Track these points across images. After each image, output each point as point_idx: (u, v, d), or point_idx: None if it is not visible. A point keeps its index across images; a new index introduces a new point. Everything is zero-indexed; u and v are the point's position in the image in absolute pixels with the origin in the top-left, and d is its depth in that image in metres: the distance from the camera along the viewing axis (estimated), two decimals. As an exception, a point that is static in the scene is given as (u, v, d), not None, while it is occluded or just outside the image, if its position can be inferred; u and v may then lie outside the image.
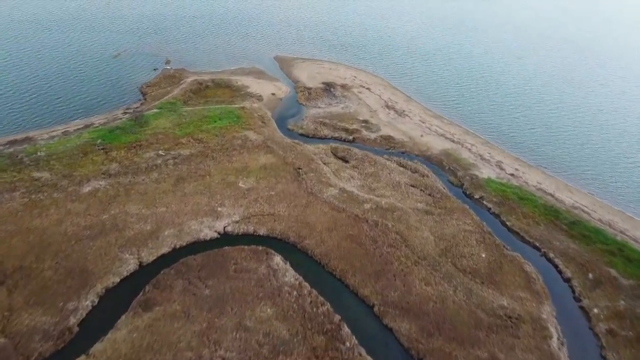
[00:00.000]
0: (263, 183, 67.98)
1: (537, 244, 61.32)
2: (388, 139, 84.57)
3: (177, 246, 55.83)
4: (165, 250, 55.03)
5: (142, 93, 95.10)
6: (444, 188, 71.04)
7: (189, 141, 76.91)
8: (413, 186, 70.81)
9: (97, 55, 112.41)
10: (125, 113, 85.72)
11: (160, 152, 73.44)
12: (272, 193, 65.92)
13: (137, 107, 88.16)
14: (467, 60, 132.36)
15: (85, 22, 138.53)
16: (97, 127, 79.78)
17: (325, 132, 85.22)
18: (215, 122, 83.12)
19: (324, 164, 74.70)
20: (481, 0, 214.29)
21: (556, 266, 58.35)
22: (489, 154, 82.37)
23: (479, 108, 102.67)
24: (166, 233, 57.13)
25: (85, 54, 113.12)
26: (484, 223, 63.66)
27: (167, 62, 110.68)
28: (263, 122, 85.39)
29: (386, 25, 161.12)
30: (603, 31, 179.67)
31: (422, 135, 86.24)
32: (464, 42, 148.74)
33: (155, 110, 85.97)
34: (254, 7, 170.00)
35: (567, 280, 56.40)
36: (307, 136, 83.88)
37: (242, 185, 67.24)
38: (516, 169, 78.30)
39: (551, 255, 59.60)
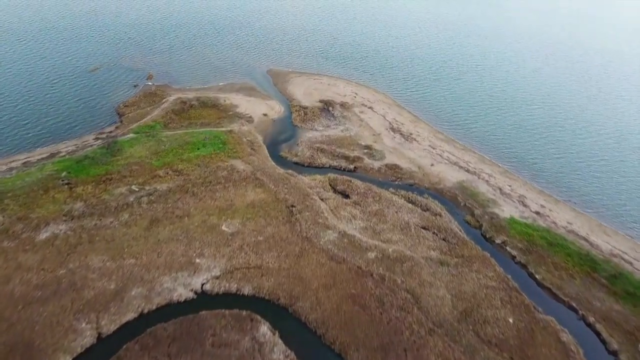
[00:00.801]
0: (250, 225, 58.88)
1: (574, 304, 51.86)
2: (394, 168, 74.97)
3: (145, 310, 47.67)
4: (130, 316, 46.77)
5: (118, 114, 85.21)
6: (460, 230, 61.47)
7: (167, 173, 67.60)
8: (424, 228, 61.31)
9: (72, 70, 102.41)
10: (97, 139, 76.04)
11: (134, 187, 64.06)
12: (260, 238, 56.95)
13: (111, 132, 78.40)
14: (479, 74, 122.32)
15: (63, 31, 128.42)
16: (63, 156, 70.31)
17: (323, 160, 75.68)
18: (198, 149, 73.62)
19: (321, 199, 65.38)
20: (483, 3, 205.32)
21: (598, 334, 48.95)
22: (510, 186, 72.55)
23: (495, 130, 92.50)
24: (133, 293, 48.88)
25: (59, 68, 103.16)
26: (509, 277, 54.20)
27: (149, 78, 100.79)
28: (252, 149, 75.95)
29: (389, 34, 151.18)
30: (615, 36, 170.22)
31: (432, 165, 76.40)
32: (474, 53, 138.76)
33: (131, 135, 76.34)
34: (246, 15, 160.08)
35: (614, 354, 47.04)
36: (303, 165, 74.70)
37: (225, 229, 57.99)
38: (542, 206, 68.50)
39: (591, 319, 50.13)
